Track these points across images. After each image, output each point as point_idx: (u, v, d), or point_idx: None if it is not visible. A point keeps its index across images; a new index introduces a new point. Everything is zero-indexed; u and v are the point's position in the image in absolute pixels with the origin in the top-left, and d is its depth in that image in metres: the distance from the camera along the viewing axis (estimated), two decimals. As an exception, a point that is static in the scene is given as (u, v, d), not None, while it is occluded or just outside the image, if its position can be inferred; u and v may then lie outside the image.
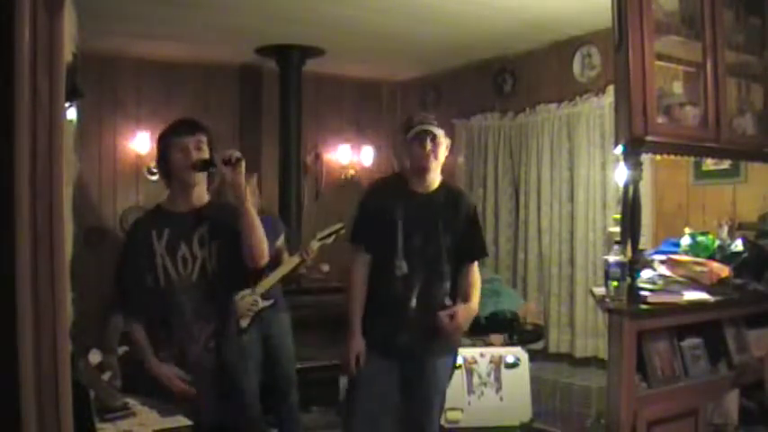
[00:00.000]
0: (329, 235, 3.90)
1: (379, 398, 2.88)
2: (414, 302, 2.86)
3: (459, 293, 2.96)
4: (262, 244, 2.45)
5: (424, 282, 2.87)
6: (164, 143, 2.51)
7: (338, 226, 3.93)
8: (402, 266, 2.85)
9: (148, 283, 2.45)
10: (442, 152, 2.91)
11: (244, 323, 3.74)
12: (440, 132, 2.90)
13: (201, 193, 2.54)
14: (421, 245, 2.87)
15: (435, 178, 2.95)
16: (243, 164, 2.39)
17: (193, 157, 2.44)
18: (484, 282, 4.52)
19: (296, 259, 3.85)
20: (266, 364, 3.94)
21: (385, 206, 2.90)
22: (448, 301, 2.92)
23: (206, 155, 2.47)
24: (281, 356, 4.00)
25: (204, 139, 2.49)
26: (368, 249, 2.92)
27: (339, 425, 3.23)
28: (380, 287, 2.89)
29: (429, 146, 2.87)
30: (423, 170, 2.90)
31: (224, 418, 2.47)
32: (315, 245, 3.87)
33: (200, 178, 2.50)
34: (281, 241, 3.99)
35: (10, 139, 1.25)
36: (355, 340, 2.86)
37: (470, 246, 3.00)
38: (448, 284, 2.93)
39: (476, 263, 3.03)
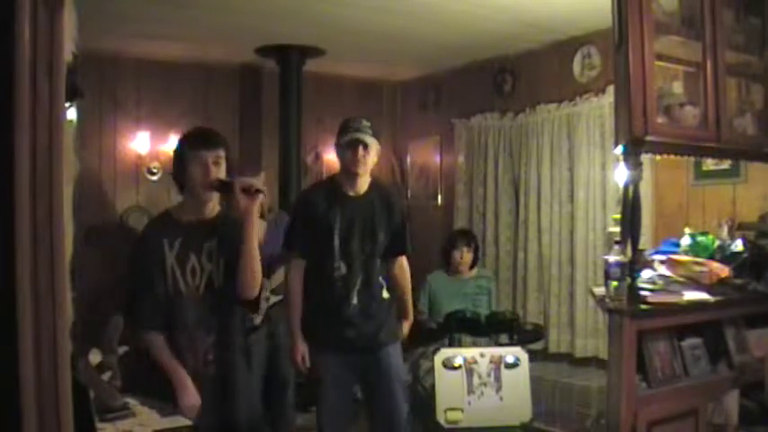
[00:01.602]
0: None
1: (343, 392, 3.10)
2: (355, 299, 3.04)
3: (397, 286, 3.28)
4: (257, 275, 2.47)
5: (363, 279, 3.06)
6: (182, 153, 2.49)
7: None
8: (341, 267, 3.02)
9: (157, 292, 2.43)
10: (372, 158, 3.07)
11: (257, 320, 3.75)
12: (371, 141, 3.04)
13: (214, 205, 2.55)
14: (357, 245, 3.05)
15: (365, 181, 3.12)
16: (261, 197, 2.41)
17: (212, 174, 2.43)
18: (477, 278, 4.57)
19: None
20: (271, 364, 3.95)
21: (319, 211, 3.05)
22: (385, 294, 3.17)
23: (223, 172, 2.46)
24: (283, 355, 4.00)
25: (223, 154, 2.48)
26: (303, 254, 3.09)
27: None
28: (321, 289, 3.06)
29: (360, 152, 3.01)
30: (353, 175, 3.06)
31: (225, 422, 2.47)
32: None
33: (215, 193, 2.51)
34: None
35: (10, 138, 1.25)
36: (297, 343, 3.05)
37: (401, 242, 3.23)
38: (382, 278, 3.16)
39: (404, 256, 3.31)
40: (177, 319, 2.44)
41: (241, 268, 2.43)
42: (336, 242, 3.01)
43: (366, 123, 3.05)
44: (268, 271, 3.74)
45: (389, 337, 3.16)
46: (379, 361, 3.10)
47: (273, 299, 3.81)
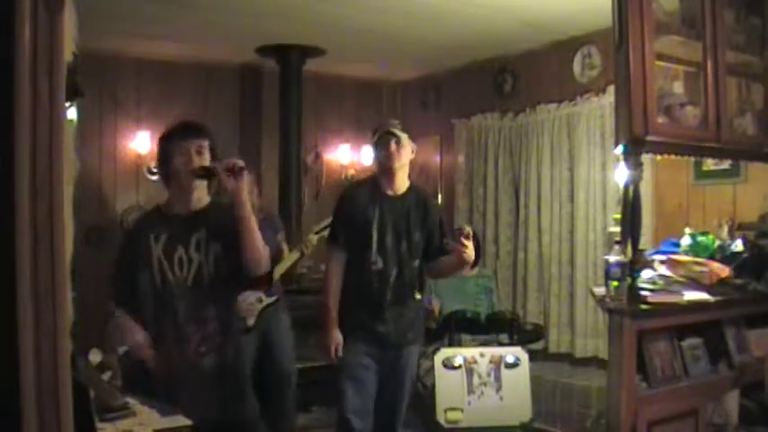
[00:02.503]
0: (325, 227, 3.92)
1: (363, 381, 3.14)
2: (389, 295, 3.11)
3: (433, 273, 3.33)
4: (261, 250, 2.45)
5: (397, 276, 3.13)
6: (165, 145, 2.51)
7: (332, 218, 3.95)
8: (378, 262, 3.10)
9: (144, 284, 2.45)
10: (406, 154, 3.17)
11: (250, 321, 3.75)
12: (403, 135, 3.15)
13: (201, 196, 2.54)
14: (393, 242, 3.13)
15: (403, 181, 3.21)
16: (245, 173, 2.39)
17: (195, 162, 2.44)
18: (477, 277, 4.57)
19: (296, 254, 3.87)
20: (264, 363, 3.94)
21: (359, 208, 3.15)
22: (417, 295, 3.22)
23: (207, 161, 2.46)
24: (280, 354, 3.99)
25: (206, 143, 2.49)
26: (345, 248, 3.18)
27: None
28: (358, 281, 3.14)
29: (393, 146, 3.12)
30: (388, 169, 3.15)
31: (222, 417, 2.47)
32: (313, 238, 3.90)
33: (200, 183, 2.50)
34: (280, 238, 3.99)
35: (10, 138, 1.25)
36: (334, 332, 3.12)
37: (436, 245, 3.25)
38: (416, 278, 3.20)
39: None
40: (167, 311, 2.45)
41: (244, 248, 2.41)
42: (374, 237, 3.10)
43: (395, 122, 3.22)
44: (263, 282, 3.75)
45: (415, 337, 3.25)
46: (400, 358, 3.17)
47: (267, 300, 3.81)
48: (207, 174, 2.44)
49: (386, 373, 3.18)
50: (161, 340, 2.46)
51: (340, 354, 3.12)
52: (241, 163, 2.39)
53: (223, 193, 2.45)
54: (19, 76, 1.24)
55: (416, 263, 3.19)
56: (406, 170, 3.22)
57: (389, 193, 3.18)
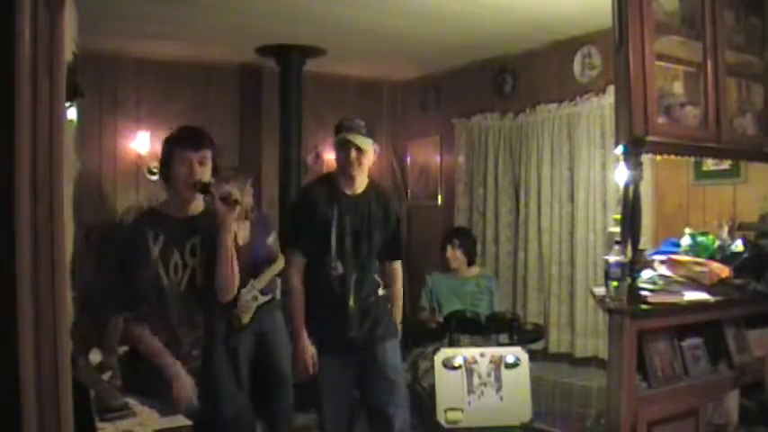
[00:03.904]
0: None
1: (343, 392, 3.08)
2: (351, 300, 3.01)
3: (388, 294, 3.23)
4: (232, 281, 2.50)
5: (358, 279, 3.04)
6: (168, 151, 2.53)
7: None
8: (338, 267, 3.00)
9: (143, 284, 2.47)
10: (368, 160, 3.04)
11: (245, 319, 3.76)
12: (363, 142, 2.99)
13: (198, 202, 2.58)
14: (353, 245, 3.02)
15: (363, 181, 3.10)
16: (238, 208, 2.47)
17: (196, 174, 2.47)
18: (477, 277, 4.57)
19: None
20: (261, 362, 3.94)
21: (317, 208, 3.02)
22: (381, 291, 3.17)
23: (208, 172, 2.50)
24: (276, 354, 3.99)
25: (209, 154, 2.52)
26: (303, 252, 3.06)
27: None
28: (319, 288, 3.04)
29: (353, 155, 2.99)
30: (347, 176, 3.04)
31: (210, 418, 2.47)
32: None
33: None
34: (273, 238, 3.99)
35: (10, 138, 1.25)
36: (305, 344, 3.02)
37: (395, 247, 3.21)
38: (377, 278, 3.16)
39: (400, 262, 3.28)
40: (160, 314, 2.47)
41: (217, 273, 2.48)
42: (333, 241, 2.99)
43: (360, 123, 3.02)
44: (255, 271, 3.76)
45: (387, 334, 3.14)
46: (375, 359, 3.08)
47: (262, 298, 3.82)
48: (205, 190, 2.48)
49: (366, 376, 3.10)
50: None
51: (316, 365, 3.02)
52: (237, 195, 2.47)
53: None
54: (19, 75, 1.24)
55: (376, 263, 3.14)
56: (366, 171, 3.10)
57: (348, 192, 3.06)
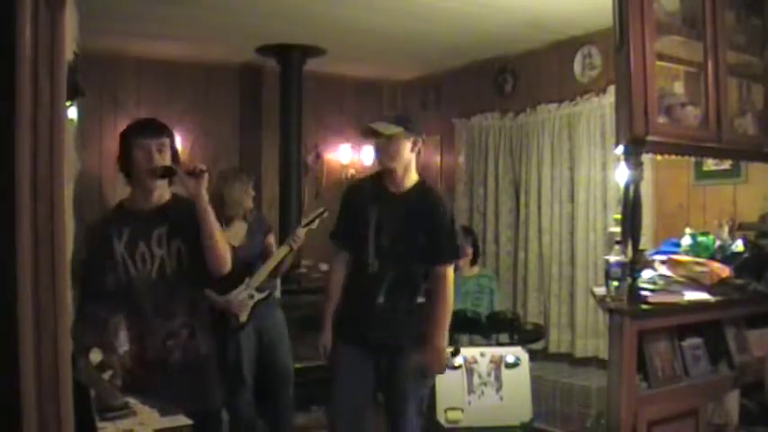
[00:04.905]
0: (313, 220, 3.92)
1: (356, 387, 2.99)
2: (381, 299, 2.92)
3: (428, 304, 3.01)
4: (221, 249, 2.49)
5: (393, 279, 2.92)
6: (126, 141, 2.54)
7: (320, 210, 3.94)
8: (374, 264, 2.93)
9: (110, 282, 2.48)
10: (400, 148, 2.90)
11: (243, 317, 3.76)
12: (388, 128, 2.88)
13: (163, 192, 2.58)
14: (391, 243, 2.92)
15: (406, 177, 2.97)
16: (206, 176, 2.45)
17: (155, 160, 2.48)
18: (477, 277, 4.56)
19: (285, 249, 3.86)
20: (263, 361, 3.94)
21: (359, 205, 3.00)
22: (420, 299, 3.00)
23: (167, 159, 2.51)
24: (277, 351, 3.99)
25: (167, 142, 2.54)
26: (346, 247, 3.07)
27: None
28: (352, 283, 3.04)
29: (378, 142, 2.96)
30: (386, 171, 2.97)
31: (189, 407, 2.46)
32: (301, 231, 3.88)
33: (161, 181, 2.54)
34: (270, 238, 3.99)
35: (11, 137, 1.25)
36: (324, 334, 3.05)
37: (441, 249, 2.95)
38: (419, 283, 3.00)
39: (447, 267, 2.97)
40: (132, 306, 2.47)
41: (205, 248, 2.47)
42: (371, 238, 2.93)
43: (389, 115, 3.08)
44: (250, 269, 3.75)
45: (412, 344, 2.95)
46: (396, 364, 2.95)
47: (258, 296, 3.82)
48: (167, 173, 2.49)
49: (383, 382, 3.01)
50: (129, 334, 2.46)
51: (327, 353, 3.05)
52: (202, 166, 2.46)
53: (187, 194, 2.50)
54: (20, 74, 1.24)
55: (417, 266, 2.95)
56: (411, 166, 2.96)
57: (392, 190, 2.97)
